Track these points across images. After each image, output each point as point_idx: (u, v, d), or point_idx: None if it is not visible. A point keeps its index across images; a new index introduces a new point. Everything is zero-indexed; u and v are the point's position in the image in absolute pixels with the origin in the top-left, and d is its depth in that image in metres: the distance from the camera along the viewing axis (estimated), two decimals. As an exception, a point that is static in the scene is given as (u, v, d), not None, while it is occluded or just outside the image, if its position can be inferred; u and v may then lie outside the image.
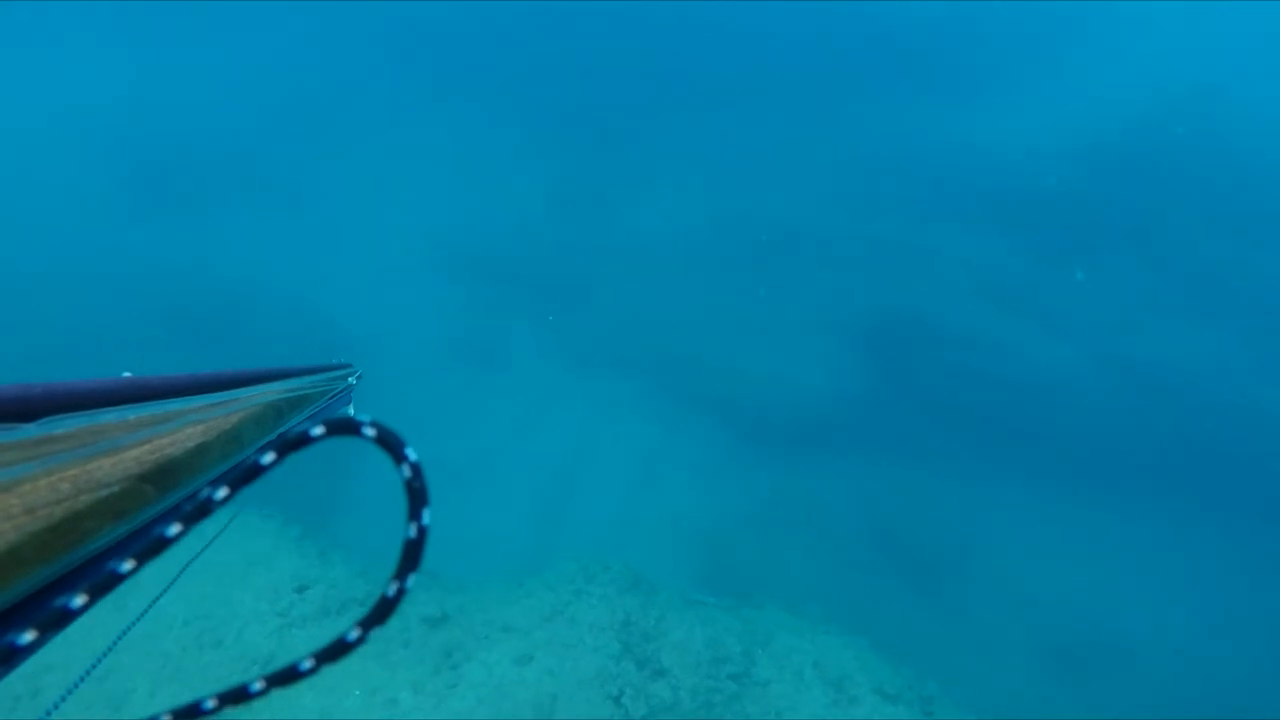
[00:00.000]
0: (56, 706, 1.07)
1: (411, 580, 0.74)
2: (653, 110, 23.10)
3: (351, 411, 1.94)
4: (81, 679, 1.20)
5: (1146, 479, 14.09)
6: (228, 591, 9.32)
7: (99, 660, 1.25)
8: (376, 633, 0.74)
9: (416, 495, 0.74)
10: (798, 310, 16.92)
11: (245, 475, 0.72)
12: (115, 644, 1.23)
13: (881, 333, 16.61)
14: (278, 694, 0.74)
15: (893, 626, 10.65)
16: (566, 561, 10.37)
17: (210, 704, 0.71)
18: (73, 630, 0.66)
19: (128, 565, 0.68)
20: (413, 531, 0.74)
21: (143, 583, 0.78)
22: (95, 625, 0.95)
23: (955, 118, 23.08)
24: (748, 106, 23.47)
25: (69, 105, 20.83)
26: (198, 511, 0.70)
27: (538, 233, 18.26)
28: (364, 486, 11.56)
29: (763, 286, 17.35)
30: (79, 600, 0.64)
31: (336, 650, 0.74)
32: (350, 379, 2.08)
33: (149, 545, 0.69)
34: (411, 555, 0.74)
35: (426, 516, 0.74)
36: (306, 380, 1.57)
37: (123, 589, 0.68)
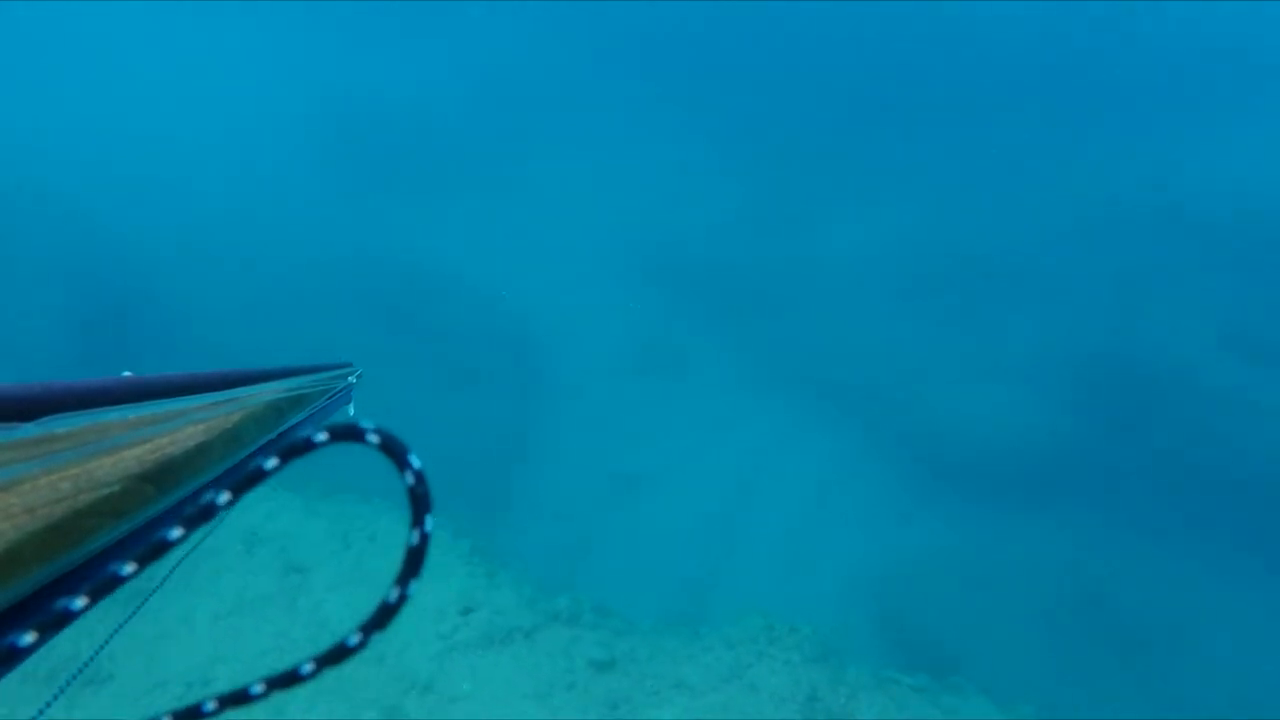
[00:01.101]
0: (49, 705, 0.96)
1: (413, 586, 0.70)
2: (867, 123, 21.73)
3: (351, 411, 2.02)
4: (74, 677, 1.15)
5: None
6: (394, 604, 8.89)
7: (91, 658, 1.17)
8: (377, 638, 0.70)
9: (420, 502, 0.71)
10: (1015, 344, 15.24)
11: (248, 480, 0.71)
12: (108, 642, 1.16)
13: (1109, 379, 14.77)
14: (278, 696, 0.69)
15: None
16: (751, 616, 9.34)
17: (211, 705, 0.70)
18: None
19: (129, 568, 0.66)
20: (415, 538, 0.70)
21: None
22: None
23: (1227, 151, 20.44)
24: (979, 121, 21.71)
25: (297, 89, 21.74)
26: (200, 515, 0.69)
27: (734, 245, 17.30)
28: (538, 500, 11.03)
29: (973, 316, 15.76)
30: (80, 602, 0.63)
31: (337, 655, 0.71)
32: (350, 378, 2.05)
33: (151, 548, 0.68)
34: (414, 562, 0.70)
35: (429, 523, 0.71)
36: (307, 379, 1.56)
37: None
